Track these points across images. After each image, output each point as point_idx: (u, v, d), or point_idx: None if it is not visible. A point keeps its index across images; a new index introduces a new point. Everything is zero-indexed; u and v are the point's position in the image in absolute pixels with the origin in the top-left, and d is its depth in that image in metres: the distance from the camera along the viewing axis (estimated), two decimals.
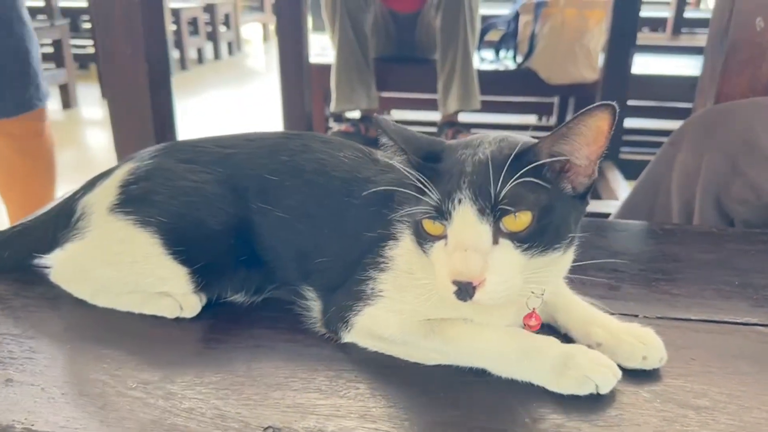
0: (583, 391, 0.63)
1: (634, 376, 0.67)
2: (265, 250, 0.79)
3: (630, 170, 2.36)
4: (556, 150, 0.61)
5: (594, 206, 2.23)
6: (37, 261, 0.89)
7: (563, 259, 0.66)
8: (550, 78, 2.65)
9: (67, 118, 4.38)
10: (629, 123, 2.77)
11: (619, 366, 0.67)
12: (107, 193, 0.80)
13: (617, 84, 2.41)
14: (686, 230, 1.06)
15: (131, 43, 1.32)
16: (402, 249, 0.70)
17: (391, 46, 2.75)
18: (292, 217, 0.77)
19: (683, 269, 0.92)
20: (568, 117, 2.82)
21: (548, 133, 0.61)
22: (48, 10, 4.47)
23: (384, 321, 0.69)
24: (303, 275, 0.78)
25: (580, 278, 0.75)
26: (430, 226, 0.63)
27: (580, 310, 0.74)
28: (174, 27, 5.79)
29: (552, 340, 0.67)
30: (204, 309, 0.79)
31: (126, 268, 0.77)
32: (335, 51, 2.53)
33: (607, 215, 1.60)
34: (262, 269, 0.79)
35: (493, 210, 0.59)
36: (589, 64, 2.60)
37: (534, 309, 0.68)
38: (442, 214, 0.62)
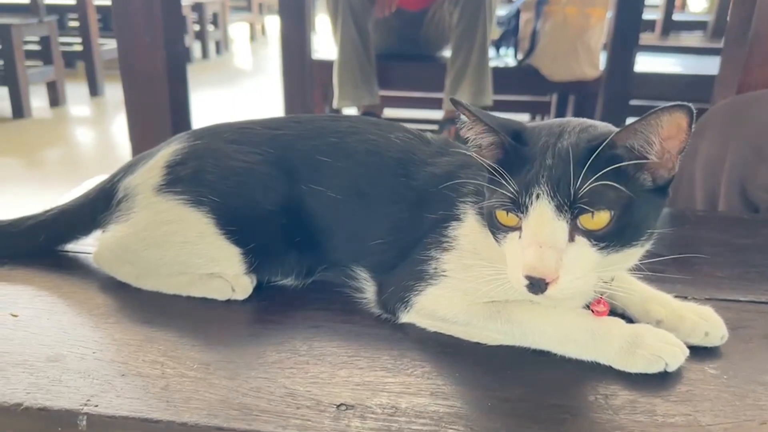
0: (653, 369, 0.63)
1: (696, 353, 0.67)
2: (317, 231, 0.77)
3: None
4: (636, 144, 0.59)
5: None
6: (70, 246, 0.87)
7: (640, 252, 0.65)
8: (552, 75, 2.66)
9: (55, 116, 4.30)
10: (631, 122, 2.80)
11: None
12: (152, 173, 0.78)
13: (620, 83, 2.43)
14: (719, 216, 1.07)
15: (150, 32, 1.30)
16: (466, 229, 0.70)
17: (395, 43, 2.74)
18: (345, 197, 0.76)
19: (723, 253, 0.93)
20: (568, 115, 2.83)
21: (624, 127, 0.60)
22: (33, 6, 4.40)
23: (448, 301, 0.68)
24: (356, 256, 0.76)
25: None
26: (504, 218, 0.62)
27: (638, 289, 0.74)
28: None
29: (617, 321, 0.66)
30: (254, 292, 0.78)
31: (176, 248, 0.75)
32: (338, 47, 2.51)
33: None
34: (314, 251, 0.78)
35: (571, 207, 0.58)
36: (590, 61, 2.62)
37: (602, 295, 0.67)
38: (518, 207, 0.60)
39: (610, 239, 0.59)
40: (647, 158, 0.60)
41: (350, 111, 2.80)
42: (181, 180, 0.76)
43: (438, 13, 2.61)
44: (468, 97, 2.47)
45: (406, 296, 0.70)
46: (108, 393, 0.60)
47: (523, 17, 2.76)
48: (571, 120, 0.65)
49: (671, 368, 0.63)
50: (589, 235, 0.59)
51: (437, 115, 2.92)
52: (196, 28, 6.41)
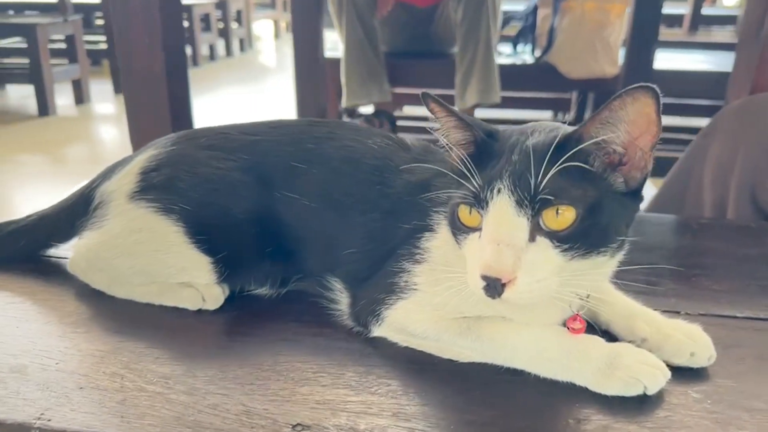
0: (631, 392, 0.60)
1: (681, 375, 0.64)
2: (290, 240, 0.75)
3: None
4: (602, 137, 0.57)
5: None
6: (53, 251, 0.87)
7: (610, 263, 0.61)
8: (570, 72, 2.60)
9: (80, 114, 4.37)
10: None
11: (666, 363, 0.63)
12: (127, 180, 0.77)
13: (639, 79, 2.35)
14: (724, 225, 1.02)
15: (149, 33, 1.30)
16: (439, 241, 0.67)
17: (407, 41, 2.71)
18: (320, 206, 0.74)
19: (724, 265, 0.88)
20: (588, 114, 2.76)
21: (588, 119, 0.57)
22: (61, 5, 4.48)
23: (418, 316, 0.66)
24: (330, 266, 0.74)
25: (614, 273, 0.71)
26: (466, 216, 0.60)
27: (623, 305, 0.70)
28: (186, 23, 5.78)
29: (595, 339, 0.63)
30: (226, 302, 0.76)
31: (147, 257, 0.74)
32: (343, 46, 2.49)
33: None
34: (288, 260, 0.76)
35: (531, 202, 0.56)
36: (609, 59, 2.55)
37: (578, 312, 0.64)
38: (479, 201, 0.58)
39: (574, 241, 0.56)
40: (617, 151, 0.58)
41: (365, 109, 2.78)
42: (154, 187, 0.75)
43: (445, 10, 2.57)
44: (476, 94, 2.43)
45: (377, 309, 0.68)
46: (63, 407, 0.59)
47: (541, 13, 2.70)
48: (545, 122, 0.63)
49: (651, 392, 0.60)
50: (552, 235, 0.56)
51: None
52: (220, 25, 6.45)
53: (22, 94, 4.69)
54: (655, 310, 0.72)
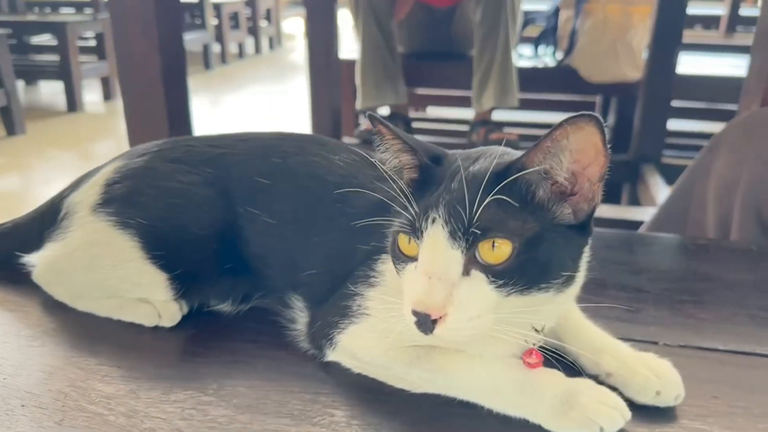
0: None
1: (646, 413, 0.60)
2: (252, 257, 0.74)
3: (673, 175, 2.22)
4: (544, 168, 0.54)
5: (631, 213, 2.12)
6: (27, 259, 0.87)
7: (558, 298, 0.57)
8: (591, 76, 2.54)
9: (107, 110, 4.45)
10: (673, 125, 2.63)
11: (631, 401, 0.60)
12: (92, 191, 0.76)
13: (661, 83, 2.28)
14: (721, 246, 0.96)
15: (146, 38, 1.30)
16: None
17: (426, 42, 2.68)
18: (280, 223, 0.72)
19: (714, 290, 0.84)
20: (611, 118, 2.69)
21: (531, 148, 0.54)
22: (94, 3, 4.57)
23: (368, 342, 0.63)
24: (291, 285, 0.72)
25: (595, 297, 0.68)
26: (405, 245, 0.57)
27: (590, 336, 0.66)
28: (215, 21, 5.83)
29: (553, 374, 0.59)
30: (186, 317, 0.75)
31: (104, 271, 0.73)
32: (359, 47, 2.47)
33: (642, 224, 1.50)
34: (249, 277, 0.74)
35: (465, 234, 0.53)
36: (632, 63, 2.47)
37: (534, 345, 0.61)
38: (414, 231, 0.55)
39: (509, 277, 0.53)
40: (561, 181, 0.55)
41: (380, 111, 2.76)
42: (114, 200, 0.74)
43: (464, 11, 2.53)
44: (493, 97, 2.39)
45: (330, 333, 0.66)
46: (1, 425, 0.58)
47: (563, 15, 2.64)
48: (494, 147, 0.59)
49: None
50: (487, 270, 0.53)
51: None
52: (249, 24, 6.50)
53: (52, 90, 4.80)
54: (632, 339, 0.68)
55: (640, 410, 0.60)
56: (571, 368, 0.63)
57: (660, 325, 0.76)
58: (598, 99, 3.06)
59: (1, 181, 3.07)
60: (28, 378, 0.65)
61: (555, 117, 3.57)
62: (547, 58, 2.80)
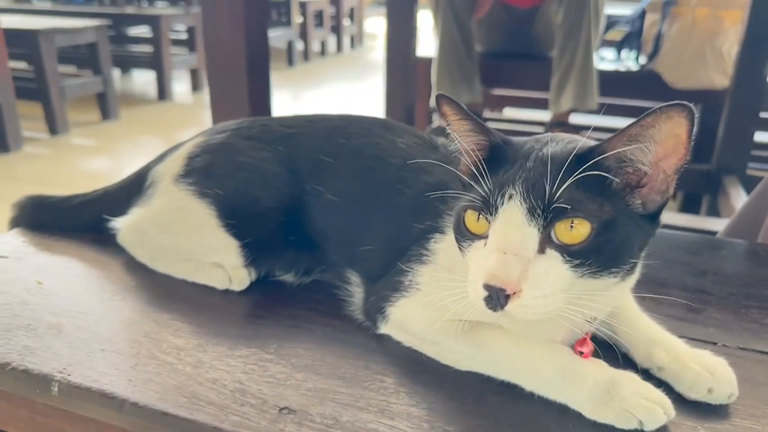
0: (624, 425, 0.56)
1: (697, 409, 0.60)
2: (314, 231, 0.78)
3: None
4: (626, 154, 0.54)
5: (709, 224, 2.04)
6: (113, 223, 0.94)
7: (619, 286, 0.58)
8: (676, 81, 2.45)
9: (195, 101, 4.67)
10: (760, 137, 2.50)
11: (682, 396, 0.60)
12: (175, 163, 0.83)
13: (749, 92, 2.17)
14: None
15: (233, 33, 1.37)
16: (447, 244, 0.66)
17: (505, 41, 2.66)
18: (342, 200, 0.76)
19: None
20: (696, 127, 2.59)
21: (615, 133, 0.54)
22: None
23: (416, 315, 0.66)
24: (349, 261, 0.76)
25: (657, 295, 0.67)
26: (473, 222, 0.58)
27: (645, 329, 0.66)
28: (300, 19, 6.00)
29: (597, 364, 0.59)
30: (253, 284, 0.80)
31: (182, 236, 0.79)
32: (437, 44, 2.48)
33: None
34: (312, 251, 0.79)
35: (544, 211, 0.53)
36: (721, 69, 2.37)
37: (588, 335, 0.61)
38: (488, 207, 0.56)
39: (585, 258, 0.53)
40: (640, 170, 0.55)
41: None
42: (194, 171, 0.80)
43: (546, 12, 2.50)
44: (571, 99, 2.34)
45: (383, 306, 0.69)
46: (83, 365, 0.65)
47: (649, 18, 2.56)
48: (560, 134, 0.61)
49: (647, 428, 0.55)
50: (563, 249, 0.53)
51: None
52: (333, 22, 6.64)
53: (145, 80, 5.09)
54: (689, 339, 0.67)
55: (691, 405, 0.60)
56: (623, 362, 0.63)
57: (720, 327, 0.74)
58: None
59: (93, 161, 3.29)
60: (108, 327, 0.71)
61: None
62: (630, 62, 2.73)
